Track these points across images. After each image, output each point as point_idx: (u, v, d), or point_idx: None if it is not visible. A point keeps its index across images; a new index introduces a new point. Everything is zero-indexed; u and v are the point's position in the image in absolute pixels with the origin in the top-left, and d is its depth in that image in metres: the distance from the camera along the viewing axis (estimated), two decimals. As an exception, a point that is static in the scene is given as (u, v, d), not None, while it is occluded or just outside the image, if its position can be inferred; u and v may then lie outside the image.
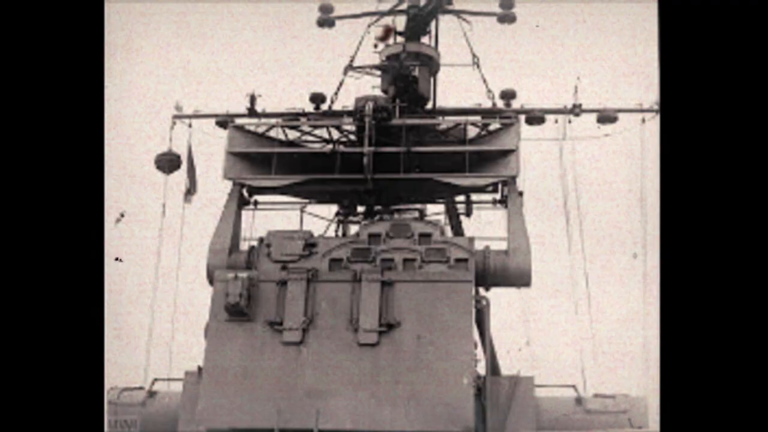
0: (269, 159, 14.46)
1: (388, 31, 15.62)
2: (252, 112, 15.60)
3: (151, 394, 13.90)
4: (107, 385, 13.36)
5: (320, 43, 17.83)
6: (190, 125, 15.86)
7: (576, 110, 15.29)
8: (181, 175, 15.50)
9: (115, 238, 14.40)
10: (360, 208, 15.30)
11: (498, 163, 13.97)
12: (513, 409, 12.70)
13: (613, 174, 16.18)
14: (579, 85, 15.30)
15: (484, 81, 16.07)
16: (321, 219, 15.46)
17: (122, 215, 14.82)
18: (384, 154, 13.81)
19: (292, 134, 15.19)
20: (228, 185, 14.41)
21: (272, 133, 15.00)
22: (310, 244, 13.27)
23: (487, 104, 15.69)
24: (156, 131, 15.92)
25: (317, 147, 15.13)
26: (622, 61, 17.08)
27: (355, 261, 13.01)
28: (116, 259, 14.11)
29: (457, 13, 16.73)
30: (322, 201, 15.42)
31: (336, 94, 15.96)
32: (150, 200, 15.35)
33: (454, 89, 16.26)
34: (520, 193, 13.80)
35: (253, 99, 15.65)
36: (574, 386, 13.46)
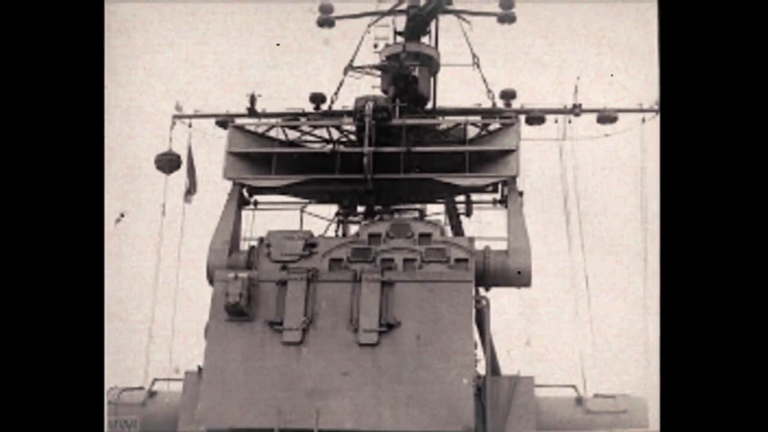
0: (269, 159, 14.45)
1: None
2: (252, 112, 15.59)
3: (151, 394, 13.90)
4: (107, 385, 13.36)
5: (320, 43, 17.83)
6: (190, 125, 15.87)
7: (576, 110, 15.29)
8: (181, 175, 15.51)
9: (115, 239, 14.42)
10: (360, 208, 15.31)
11: (498, 163, 13.95)
12: (513, 409, 12.69)
13: (613, 174, 16.18)
14: (579, 85, 15.31)
15: (484, 81, 16.07)
16: (321, 219, 15.47)
17: (122, 215, 14.83)
18: (384, 154, 13.80)
19: (292, 134, 15.18)
20: (228, 185, 14.40)
21: (272, 133, 14.99)
22: (310, 244, 13.26)
23: (487, 104, 15.69)
24: (156, 131, 15.93)
25: (317, 147, 15.12)
26: (622, 61, 17.07)
27: (355, 261, 13.00)
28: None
29: (457, 13, 16.73)
30: (322, 201, 15.42)
31: (336, 94, 15.96)
32: (150, 200, 15.36)
33: (454, 89, 16.27)
34: (520, 193, 13.79)
35: (253, 99, 15.64)
36: (574, 386, 13.46)
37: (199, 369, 12.44)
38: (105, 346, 8.35)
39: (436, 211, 16.29)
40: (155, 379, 14.07)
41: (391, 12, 16.65)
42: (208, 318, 12.51)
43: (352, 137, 14.73)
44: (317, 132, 15.13)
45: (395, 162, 13.86)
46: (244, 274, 12.37)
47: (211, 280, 13.17)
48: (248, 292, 12.26)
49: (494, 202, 14.51)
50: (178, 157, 15.54)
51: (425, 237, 13.24)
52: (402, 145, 13.98)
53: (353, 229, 15.10)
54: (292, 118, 15.56)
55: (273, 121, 15.32)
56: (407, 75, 15.35)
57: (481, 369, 12.86)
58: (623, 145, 15.29)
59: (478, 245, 13.31)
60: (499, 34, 16.89)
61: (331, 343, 12.07)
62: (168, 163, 15.48)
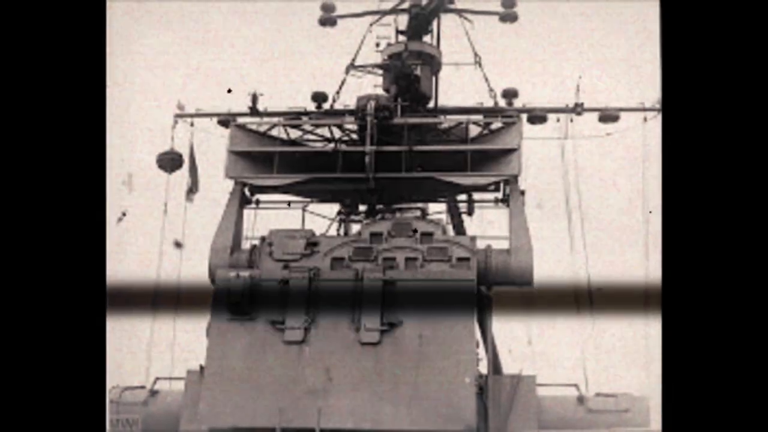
0: (271, 158, 14.46)
1: None
2: (254, 111, 15.59)
3: (153, 393, 13.89)
4: (109, 384, 13.36)
5: (322, 42, 17.85)
6: (192, 124, 15.87)
7: (578, 109, 15.28)
8: (183, 174, 15.51)
9: (117, 237, 14.42)
10: (362, 207, 15.30)
11: (500, 162, 13.96)
12: (515, 408, 12.68)
13: (615, 173, 16.17)
14: (581, 83, 15.30)
15: (486, 80, 16.07)
16: (323, 218, 15.47)
17: (124, 214, 14.83)
18: (386, 153, 13.80)
19: (294, 133, 15.20)
20: (230, 184, 14.41)
21: (274, 132, 15.01)
22: (312, 243, 13.26)
23: (489, 103, 15.69)
24: (158, 130, 15.94)
25: (319, 146, 15.13)
26: (624, 60, 17.07)
27: (357, 260, 13.00)
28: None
29: (459, 12, 16.75)
30: (324, 200, 15.42)
31: (338, 93, 15.97)
32: (152, 199, 15.36)
33: (456, 88, 16.28)
34: (522, 192, 13.79)
35: (255, 98, 15.64)
36: (576, 385, 13.45)
37: (201, 368, 12.45)
38: (107, 345, 8.36)
39: (437, 210, 16.30)
40: (157, 378, 14.07)
41: (393, 11, 16.67)
42: (209, 317, 12.52)
43: (354, 136, 14.73)
44: (319, 131, 15.13)
45: (397, 161, 13.87)
46: (245, 273, 12.38)
47: (213, 279, 13.17)
48: (250, 291, 12.27)
49: (496, 201, 14.50)
50: (180, 156, 15.54)
51: (427, 236, 13.23)
52: (404, 144, 13.98)
53: (355, 228, 15.10)
54: (294, 117, 15.57)
55: (275, 119, 15.33)
56: (409, 74, 15.35)
57: (483, 368, 12.86)
58: (625, 144, 15.28)
59: (480, 244, 13.31)
60: (501, 34, 16.90)
61: (333, 342, 12.07)
62: (170, 162, 15.49)
